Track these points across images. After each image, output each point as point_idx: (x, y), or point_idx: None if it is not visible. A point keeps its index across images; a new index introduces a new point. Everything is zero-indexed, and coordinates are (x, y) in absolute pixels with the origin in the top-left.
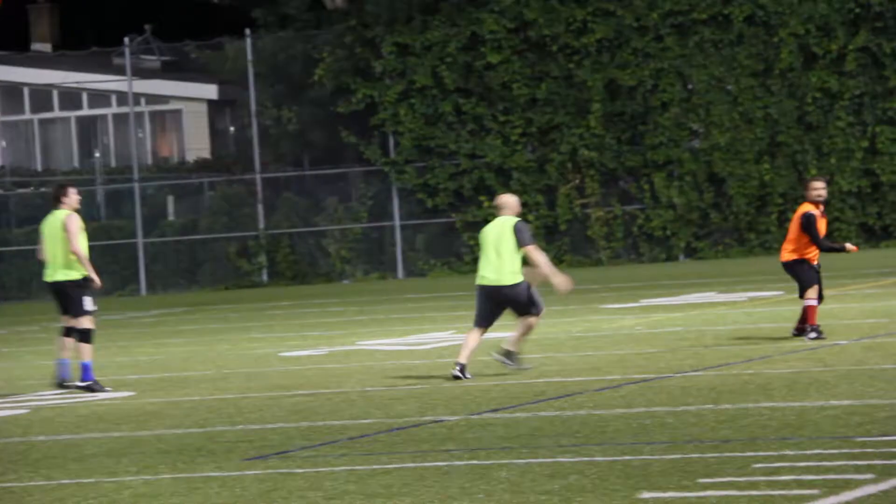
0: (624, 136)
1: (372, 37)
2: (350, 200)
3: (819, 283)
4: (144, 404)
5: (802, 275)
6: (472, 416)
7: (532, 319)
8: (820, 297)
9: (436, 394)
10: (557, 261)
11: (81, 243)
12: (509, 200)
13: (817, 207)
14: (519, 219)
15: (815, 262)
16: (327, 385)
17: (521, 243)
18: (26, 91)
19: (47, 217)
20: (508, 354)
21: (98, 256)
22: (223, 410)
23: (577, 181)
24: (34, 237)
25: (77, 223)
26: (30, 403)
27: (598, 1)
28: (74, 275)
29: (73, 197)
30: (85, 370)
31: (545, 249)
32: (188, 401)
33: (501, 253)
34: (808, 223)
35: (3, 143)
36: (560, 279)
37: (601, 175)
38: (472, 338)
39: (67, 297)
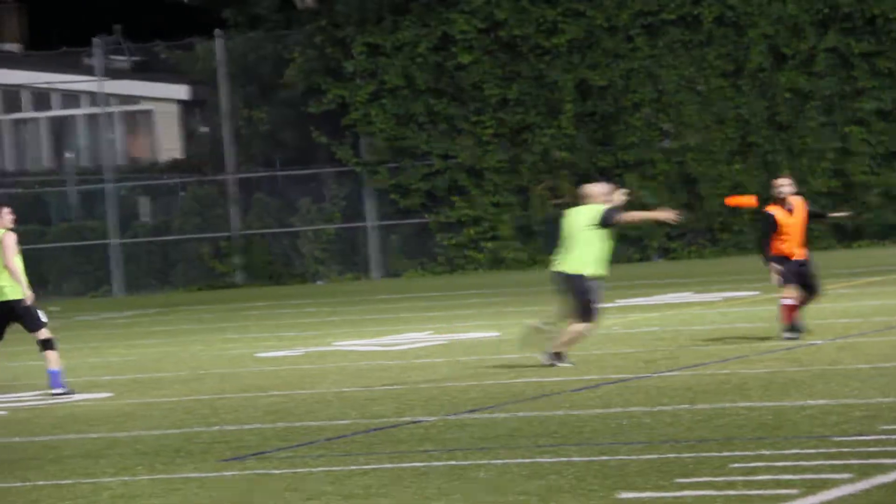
0: (596, 136)
1: (342, 37)
2: (323, 201)
3: (805, 278)
4: (121, 405)
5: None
6: (450, 417)
7: (580, 327)
8: (812, 292)
9: (412, 394)
10: (531, 261)
11: (17, 261)
12: (593, 189)
13: (783, 204)
14: (608, 206)
15: (799, 258)
16: (303, 386)
17: (611, 222)
18: None
19: None
20: (557, 356)
21: (71, 257)
22: (199, 411)
23: (550, 181)
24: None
25: (13, 240)
26: (6, 405)
27: (569, 1)
28: (21, 293)
29: (6, 217)
30: (55, 377)
31: (520, 250)
32: (164, 402)
33: (574, 242)
34: (763, 223)
35: None
36: (667, 214)
37: (573, 175)
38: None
39: (25, 312)
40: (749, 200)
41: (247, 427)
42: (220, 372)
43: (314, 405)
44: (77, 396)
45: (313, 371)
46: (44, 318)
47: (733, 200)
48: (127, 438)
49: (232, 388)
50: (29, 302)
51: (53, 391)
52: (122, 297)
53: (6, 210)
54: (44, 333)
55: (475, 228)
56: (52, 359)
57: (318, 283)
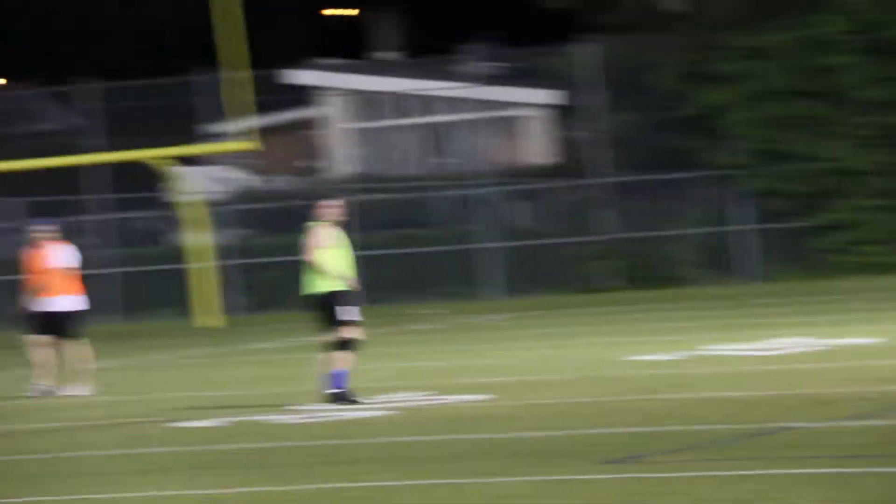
0: None
1: (715, 40)
2: (694, 205)
3: None
4: (503, 407)
5: None
6: (830, 423)
7: None
8: None
9: (790, 400)
10: None
11: (321, 255)
12: None
13: None
14: None
15: None
16: (678, 390)
17: None
18: (376, 99)
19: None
20: None
21: (448, 261)
22: (577, 414)
23: None
24: (387, 242)
25: (324, 234)
26: (398, 404)
27: None
28: (330, 286)
29: (328, 210)
30: (336, 378)
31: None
32: (543, 404)
33: None
34: None
35: (358, 151)
36: None
37: None
38: None
39: (331, 306)
40: None
41: (625, 430)
42: (594, 375)
43: (689, 409)
44: (460, 397)
45: (687, 375)
46: (351, 317)
47: None
48: (507, 440)
49: (607, 392)
50: (347, 289)
51: (331, 392)
52: (497, 301)
53: (330, 203)
54: (342, 334)
55: (851, 232)
56: (338, 359)
57: (693, 287)
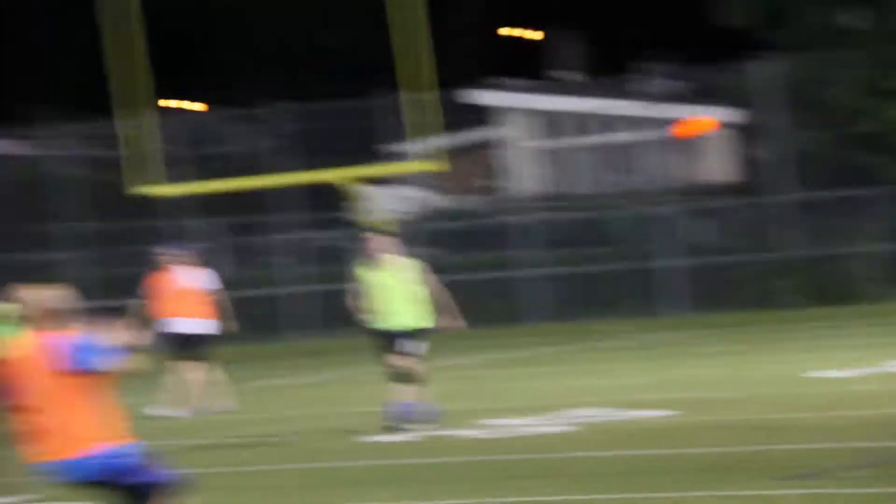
0: None
1: (893, 55)
2: (877, 221)
3: None
4: (684, 423)
5: None
6: None
7: None
8: None
9: None
10: None
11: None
12: None
13: None
14: None
15: None
16: (860, 406)
17: None
18: (556, 118)
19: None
20: None
21: (628, 279)
22: (757, 430)
23: None
24: (567, 260)
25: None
26: (578, 421)
27: None
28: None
29: (367, 244)
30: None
31: None
32: (724, 420)
33: None
34: None
35: (539, 170)
36: None
37: None
38: None
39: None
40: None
41: (803, 447)
42: (774, 392)
43: (869, 426)
44: (643, 413)
45: (868, 392)
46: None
47: (687, 128)
48: (687, 455)
49: (787, 408)
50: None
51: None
52: (676, 319)
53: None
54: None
55: None
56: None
57: (873, 304)
